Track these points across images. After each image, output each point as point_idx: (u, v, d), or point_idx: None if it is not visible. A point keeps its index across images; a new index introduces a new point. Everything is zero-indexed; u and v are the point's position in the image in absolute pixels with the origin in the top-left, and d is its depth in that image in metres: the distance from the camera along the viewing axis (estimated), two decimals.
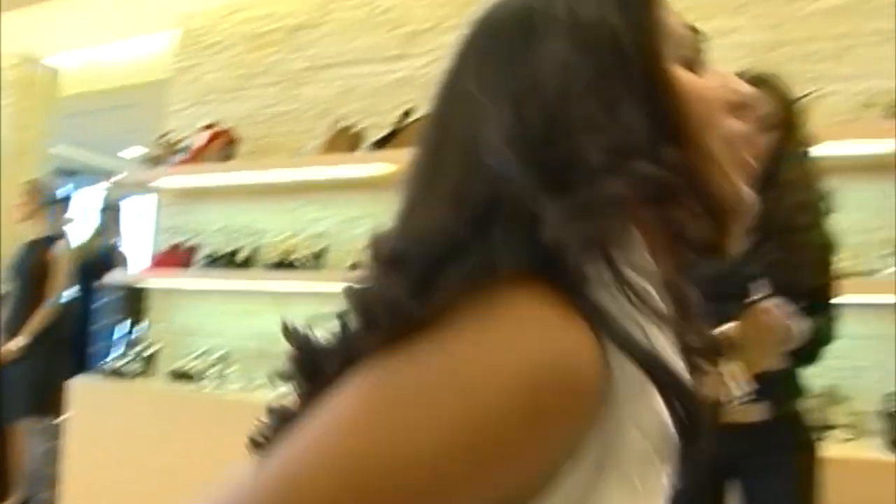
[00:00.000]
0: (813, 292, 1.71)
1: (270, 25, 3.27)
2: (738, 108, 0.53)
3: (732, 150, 0.52)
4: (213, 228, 3.16)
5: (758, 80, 1.64)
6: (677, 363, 0.49)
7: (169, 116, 3.48)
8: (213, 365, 2.95)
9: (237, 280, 2.97)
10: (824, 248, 1.68)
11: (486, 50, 0.52)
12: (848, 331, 2.20)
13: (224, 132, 3.04)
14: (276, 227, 3.06)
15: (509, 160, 0.45)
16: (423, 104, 2.85)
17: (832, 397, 2.30)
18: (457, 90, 0.52)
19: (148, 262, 3.20)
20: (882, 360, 2.33)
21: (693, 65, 0.52)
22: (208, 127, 3.06)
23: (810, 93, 2.30)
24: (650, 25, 0.50)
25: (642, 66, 0.49)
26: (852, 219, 2.39)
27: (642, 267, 0.48)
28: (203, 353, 3.04)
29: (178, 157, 3.15)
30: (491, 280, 0.42)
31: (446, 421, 0.39)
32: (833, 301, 1.78)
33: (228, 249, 3.03)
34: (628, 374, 0.43)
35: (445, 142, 0.51)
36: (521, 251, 0.42)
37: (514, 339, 0.41)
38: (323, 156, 2.78)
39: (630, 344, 0.43)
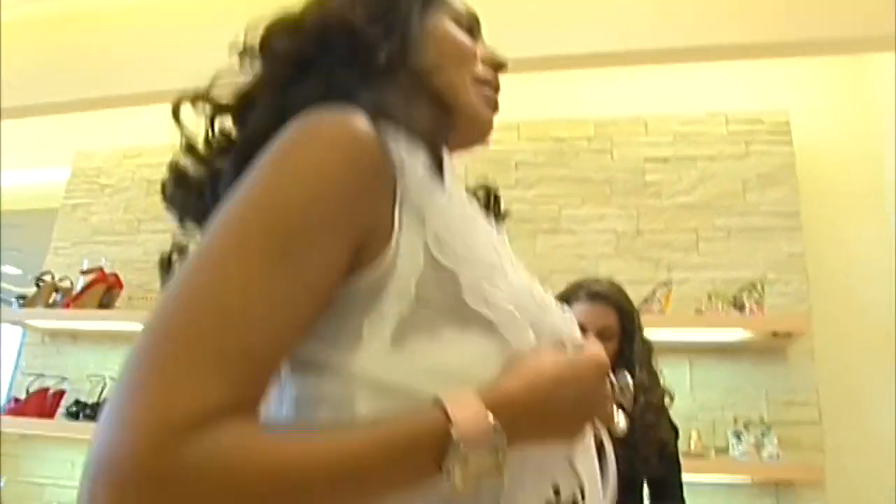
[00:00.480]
0: (657, 482, 1.82)
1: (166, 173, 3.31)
2: (489, 63, 0.79)
3: (476, 85, 0.76)
4: (83, 373, 3.03)
5: (596, 295, 1.81)
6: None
7: (52, 252, 3.40)
8: None
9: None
10: (666, 443, 1.80)
11: None
12: None
13: (105, 278, 2.99)
14: None
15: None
16: None
17: None
18: None
19: (7, 404, 3.00)
20: None
21: (468, 31, 0.78)
22: (91, 271, 3.01)
23: (664, 284, 2.53)
24: None
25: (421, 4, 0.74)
26: (705, 397, 2.59)
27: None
28: None
29: (56, 297, 3.06)
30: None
31: (301, 178, 0.56)
32: (678, 485, 1.89)
33: (97, 398, 2.90)
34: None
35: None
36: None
37: (328, 125, 0.59)
38: None
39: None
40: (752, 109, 2.88)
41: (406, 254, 0.59)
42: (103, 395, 2.89)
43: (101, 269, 3.01)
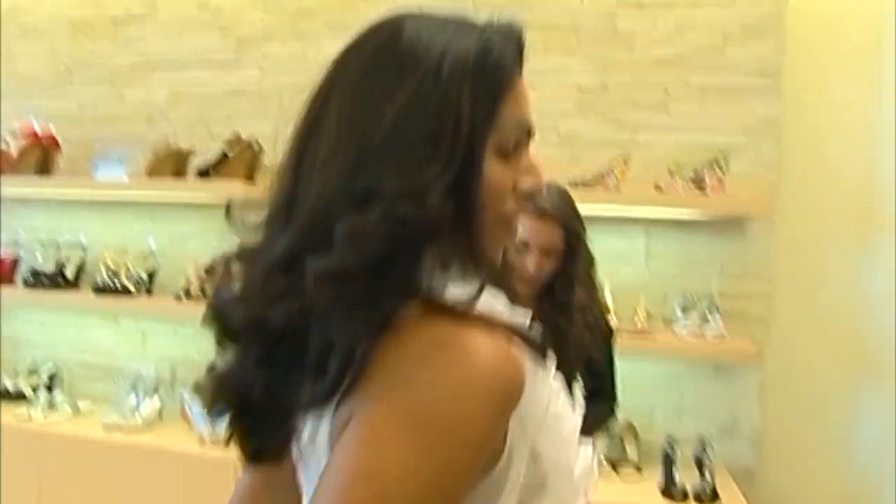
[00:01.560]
0: (593, 392, 1.86)
1: (95, 13, 2.99)
2: (523, 195, 0.69)
3: (501, 227, 0.69)
4: (36, 237, 2.99)
5: (544, 213, 1.69)
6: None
7: None
8: (40, 386, 2.88)
9: (65, 300, 2.86)
10: (594, 359, 1.80)
11: (351, 84, 0.64)
12: (645, 371, 2.42)
13: (39, 140, 2.82)
14: (104, 240, 2.94)
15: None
16: (249, 121, 2.76)
17: (628, 432, 2.50)
18: (319, 117, 0.64)
19: None
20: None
21: (514, 148, 0.66)
22: (26, 133, 2.83)
23: (622, 159, 2.38)
24: (489, 116, 0.63)
25: (466, 148, 0.62)
26: (658, 267, 2.56)
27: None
28: (30, 370, 2.95)
29: None
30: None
31: (458, 428, 0.55)
32: (614, 388, 1.94)
33: (55, 264, 2.89)
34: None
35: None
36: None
37: (471, 364, 0.57)
38: (148, 180, 2.65)
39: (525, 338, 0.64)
40: None
41: (516, 463, 0.62)
42: (58, 264, 2.88)
43: (33, 132, 2.84)
